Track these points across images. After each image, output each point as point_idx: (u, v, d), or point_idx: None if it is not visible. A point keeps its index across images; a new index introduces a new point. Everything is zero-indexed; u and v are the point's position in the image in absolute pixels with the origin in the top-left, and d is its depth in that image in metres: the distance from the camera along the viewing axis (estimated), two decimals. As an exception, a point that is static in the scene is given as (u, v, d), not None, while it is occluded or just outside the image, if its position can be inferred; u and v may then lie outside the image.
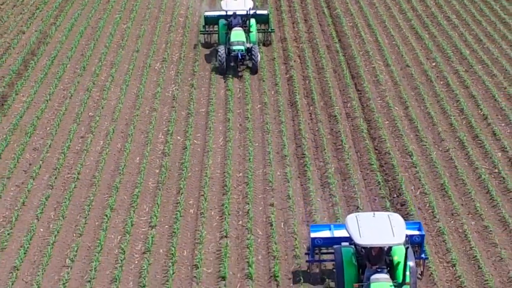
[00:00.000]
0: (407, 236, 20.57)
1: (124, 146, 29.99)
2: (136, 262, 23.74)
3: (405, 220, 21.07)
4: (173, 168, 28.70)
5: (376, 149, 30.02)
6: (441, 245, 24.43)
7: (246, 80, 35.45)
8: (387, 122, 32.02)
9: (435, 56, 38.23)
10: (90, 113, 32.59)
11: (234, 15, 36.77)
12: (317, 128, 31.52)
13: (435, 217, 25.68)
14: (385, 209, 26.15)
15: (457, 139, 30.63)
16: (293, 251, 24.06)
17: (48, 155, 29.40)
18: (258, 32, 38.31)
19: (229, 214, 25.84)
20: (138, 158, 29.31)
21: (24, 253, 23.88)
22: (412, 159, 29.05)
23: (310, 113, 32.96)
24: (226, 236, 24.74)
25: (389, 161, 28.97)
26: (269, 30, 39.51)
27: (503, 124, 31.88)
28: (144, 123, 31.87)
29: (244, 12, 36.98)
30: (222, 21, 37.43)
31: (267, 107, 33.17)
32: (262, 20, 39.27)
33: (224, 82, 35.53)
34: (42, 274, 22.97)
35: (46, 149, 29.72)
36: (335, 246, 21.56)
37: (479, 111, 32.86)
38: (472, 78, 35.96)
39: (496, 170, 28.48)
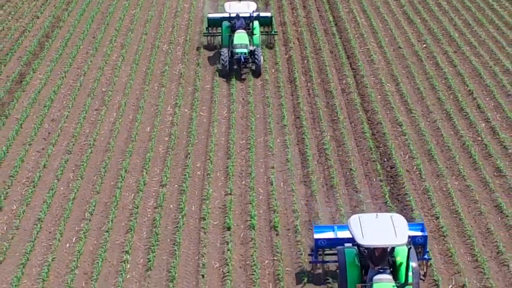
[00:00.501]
0: (409, 236, 20.77)
1: (136, 117, 32.40)
2: (149, 215, 26.14)
3: (408, 221, 21.49)
4: (181, 136, 31.12)
5: (369, 120, 32.40)
6: (426, 201, 26.82)
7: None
8: (379, 96, 34.41)
9: (426, 38, 40.65)
10: (103, 89, 35.01)
11: (238, 17, 36.92)
12: (314, 102, 33.93)
13: (421, 177, 28.07)
14: (376, 172, 28.56)
15: (444, 111, 33.02)
16: (291, 206, 26.48)
17: (66, 125, 31.80)
18: (261, 35, 38.53)
19: (233, 175, 28.26)
20: (148, 128, 31.70)
21: (47, 208, 26.27)
22: (401, 128, 31.44)
23: (308, 88, 35.37)
24: (230, 194, 27.15)
25: (381, 130, 31.37)
26: (272, 32, 39.70)
27: (487, 99, 34.27)
28: (154, 97, 34.28)
29: (248, 15, 37.16)
30: (225, 23, 37.49)
31: (268, 83, 35.57)
32: (266, 22, 39.23)
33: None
34: (64, 225, 25.37)
35: (63, 120, 32.13)
36: (338, 247, 21.80)
37: (466, 87, 35.26)
38: (460, 58, 38.38)
39: (479, 138, 30.86)
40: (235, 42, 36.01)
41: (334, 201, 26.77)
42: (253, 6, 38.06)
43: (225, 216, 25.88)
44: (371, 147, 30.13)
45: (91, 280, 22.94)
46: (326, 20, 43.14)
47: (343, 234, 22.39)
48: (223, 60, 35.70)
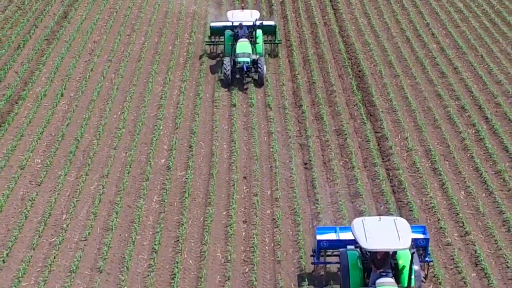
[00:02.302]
0: (412, 240, 21.01)
1: (160, 39, 41.04)
2: (174, 99, 34.73)
3: (409, 223, 21.94)
4: (197, 52, 39.75)
5: (344, 42, 40.98)
6: (383, 90, 35.36)
7: (249, 5, 46.49)
8: (354, 27, 43.03)
9: (396, -11, 49.50)
10: (132, 21, 43.68)
11: (240, 26, 36.67)
12: (301, 31, 42.54)
13: (382, 77, 36.59)
14: (347, 74, 37.12)
15: (404, 37, 41.65)
16: (281, 93, 35.15)
17: (105, 45, 40.41)
18: (265, 43, 38.39)
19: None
20: (170, 47, 40.33)
21: (97, 94, 34.88)
22: (369, 47, 40.02)
23: (296, 22, 44.01)
24: (235, 86, 35.88)
25: (353, 48, 39.93)
26: (276, 41, 39.44)
27: (440, 29, 42.92)
28: (174, 27, 42.93)
29: (251, 23, 36.89)
30: (228, 32, 37.10)
31: (264, 19, 44.11)
32: (269, 31, 39.05)
33: (232, 2, 46.72)
34: (111, 104, 33.99)
35: (103, 41, 40.76)
36: (340, 250, 21.86)
37: (424, 21, 43.93)
38: (423, 2, 47.04)
39: (430, 54, 39.43)
40: (237, 51, 35.66)
41: (314, 91, 35.36)
42: (256, 14, 37.68)
43: (231, 99, 34.51)
44: (344, 59, 38.71)
45: (134, 135, 31.53)
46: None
47: (346, 235, 22.44)
48: (225, 69, 35.39)
